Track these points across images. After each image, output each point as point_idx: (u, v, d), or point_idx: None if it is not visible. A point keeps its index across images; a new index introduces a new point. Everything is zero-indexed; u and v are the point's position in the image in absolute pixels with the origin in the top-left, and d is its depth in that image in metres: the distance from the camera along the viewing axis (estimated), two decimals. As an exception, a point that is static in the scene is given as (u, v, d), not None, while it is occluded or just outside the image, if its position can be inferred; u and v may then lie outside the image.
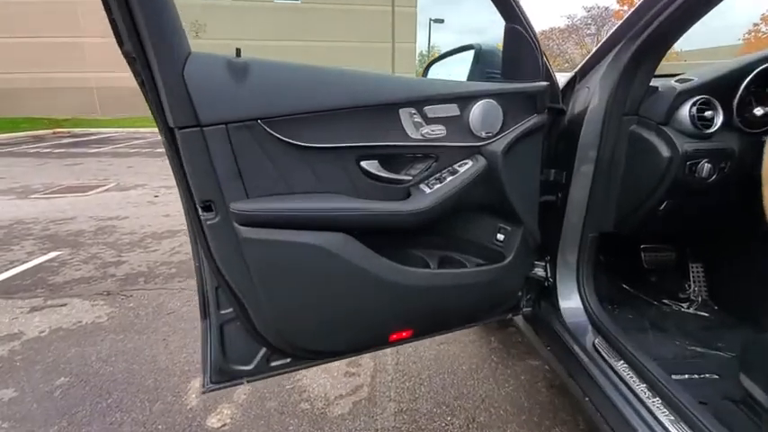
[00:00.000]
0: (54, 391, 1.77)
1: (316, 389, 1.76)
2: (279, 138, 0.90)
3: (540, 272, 1.48)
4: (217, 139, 0.84)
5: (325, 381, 1.81)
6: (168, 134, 0.85)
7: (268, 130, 0.88)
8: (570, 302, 1.36)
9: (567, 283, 1.39)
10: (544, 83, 1.13)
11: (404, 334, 1.14)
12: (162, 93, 0.80)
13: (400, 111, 0.99)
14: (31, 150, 9.36)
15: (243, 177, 0.89)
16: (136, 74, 0.83)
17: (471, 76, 1.30)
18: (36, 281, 2.83)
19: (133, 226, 3.99)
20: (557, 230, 1.41)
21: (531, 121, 1.13)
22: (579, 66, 1.39)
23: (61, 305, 2.50)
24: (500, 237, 1.23)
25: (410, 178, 1.07)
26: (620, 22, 1.21)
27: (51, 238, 3.65)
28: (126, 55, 0.81)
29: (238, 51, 0.87)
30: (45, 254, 3.31)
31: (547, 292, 1.49)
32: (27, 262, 3.14)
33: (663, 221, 1.32)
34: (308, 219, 0.92)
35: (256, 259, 0.92)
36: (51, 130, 12.95)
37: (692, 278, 1.70)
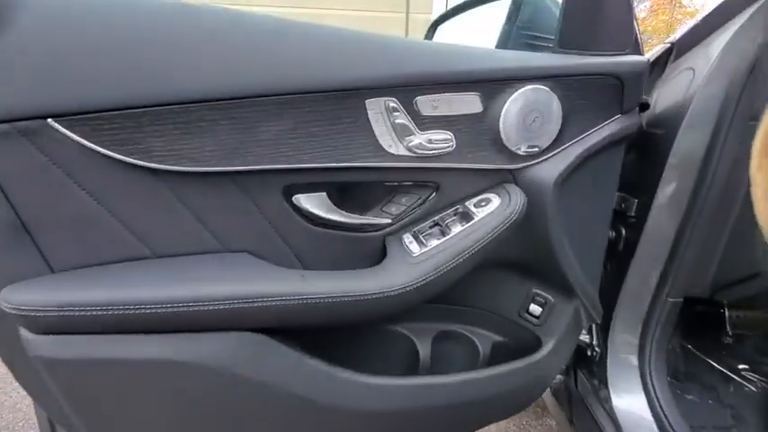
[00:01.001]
0: None
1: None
2: (107, 155, 0.44)
3: (581, 335, 1.03)
4: None
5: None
6: None
7: (79, 140, 0.42)
8: (630, 400, 0.91)
9: (625, 366, 0.94)
10: (642, 58, 0.64)
11: None
12: None
13: (368, 103, 0.52)
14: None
15: (32, 234, 0.44)
16: None
17: (504, 43, 0.80)
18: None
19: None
20: (614, 283, 0.94)
21: (612, 125, 0.65)
22: (678, 34, 0.88)
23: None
24: (534, 309, 0.77)
25: (388, 221, 0.61)
26: None
27: None
28: None
29: None
30: None
31: (589, 364, 1.04)
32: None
33: None
34: (182, 316, 0.47)
35: (76, 395, 0.48)
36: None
37: None
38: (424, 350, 0.77)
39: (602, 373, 0.98)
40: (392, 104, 0.53)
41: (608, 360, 0.97)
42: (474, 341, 0.81)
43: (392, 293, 0.53)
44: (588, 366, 1.04)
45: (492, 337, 0.82)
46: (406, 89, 0.53)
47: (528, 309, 0.77)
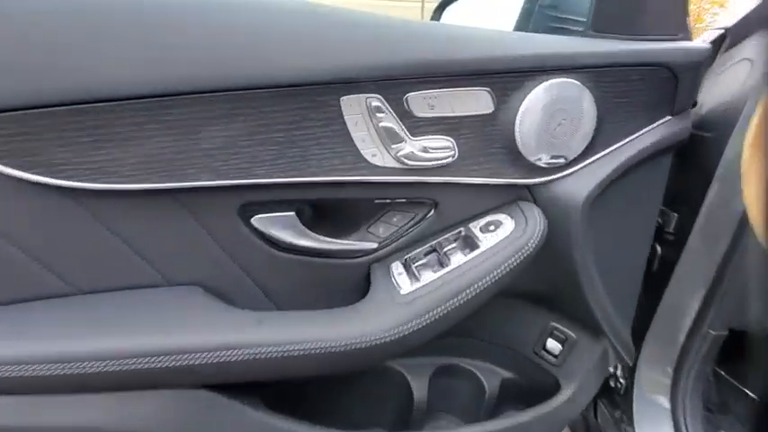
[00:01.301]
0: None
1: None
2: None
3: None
4: None
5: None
6: None
7: None
8: None
9: (654, 408, 0.81)
10: (701, 44, 0.51)
11: None
12: None
13: (344, 101, 0.41)
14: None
15: None
16: None
17: (523, 25, 0.67)
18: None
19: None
20: (644, 310, 0.82)
21: (659, 130, 0.52)
22: (735, 20, 0.74)
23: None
24: (553, 346, 0.65)
25: (374, 246, 0.50)
26: None
27: None
28: None
29: None
30: None
31: (611, 395, 0.92)
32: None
33: None
34: (108, 373, 0.37)
35: None
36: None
37: None
38: (419, 389, 0.66)
39: (626, 408, 0.86)
40: (375, 103, 0.41)
41: (634, 397, 0.84)
42: (479, 378, 0.70)
43: (371, 343, 0.42)
44: (610, 397, 0.92)
45: (500, 373, 0.71)
46: (394, 83, 0.41)
47: (545, 345, 0.66)
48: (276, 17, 0.39)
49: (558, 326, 0.64)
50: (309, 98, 0.39)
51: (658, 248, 0.77)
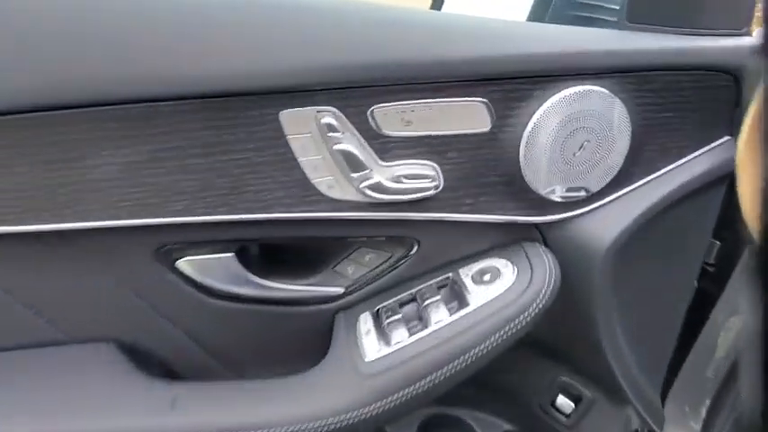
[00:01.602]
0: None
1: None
2: None
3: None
4: None
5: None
6: None
7: None
8: None
9: None
10: None
11: None
12: None
13: (284, 116, 0.31)
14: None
15: None
16: None
17: (539, 14, 0.54)
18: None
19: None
20: (675, 353, 0.70)
21: (714, 154, 0.40)
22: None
23: None
24: (563, 403, 0.55)
25: (339, 291, 0.40)
26: None
27: None
28: None
29: None
30: None
31: None
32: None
33: None
34: None
35: None
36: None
37: None
38: None
39: None
40: (327, 120, 0.31)
41: None
42: (475, 431, 0.60)
43: (320, 429, 0.33)
44: None
45: (500, 426, 0.61)
46: (355, 92, 0.31)
47: (554, 401, 0.55)
48: (188, 6, 0.29)
49: (569, 381, 0.54)
50: (237, 113, 0.29)
51: (695, 282, 0.66)
